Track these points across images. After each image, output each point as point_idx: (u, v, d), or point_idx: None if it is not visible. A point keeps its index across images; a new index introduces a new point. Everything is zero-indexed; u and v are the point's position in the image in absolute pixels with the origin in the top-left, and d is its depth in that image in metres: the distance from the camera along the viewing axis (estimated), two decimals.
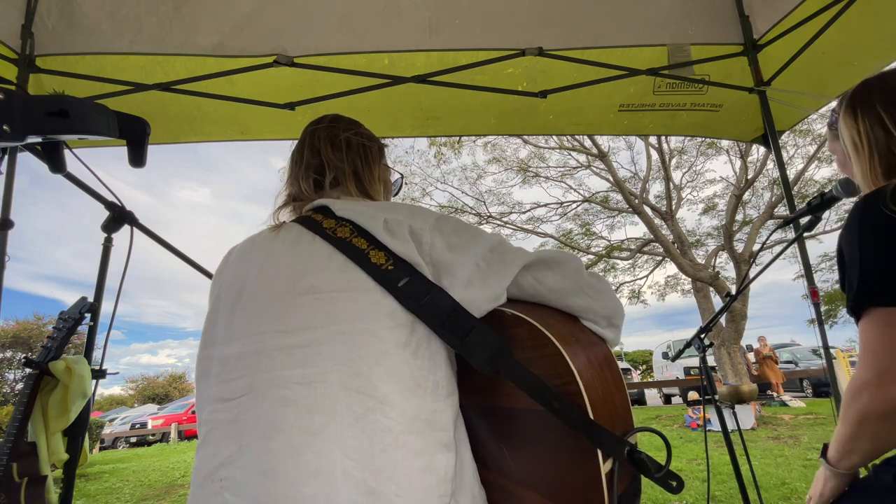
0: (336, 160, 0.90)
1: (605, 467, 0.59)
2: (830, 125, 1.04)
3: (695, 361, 11.75)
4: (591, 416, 0.60)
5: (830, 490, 0.87)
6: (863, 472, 0.89)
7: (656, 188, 13.49)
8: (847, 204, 0.90)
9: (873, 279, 0.78)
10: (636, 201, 12.05)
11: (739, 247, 11.60)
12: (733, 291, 1.88)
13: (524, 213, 13.89)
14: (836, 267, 0.85)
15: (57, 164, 0.75)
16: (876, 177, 0.89)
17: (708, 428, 6.63)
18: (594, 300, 0.74)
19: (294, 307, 0.70)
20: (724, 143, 11.70)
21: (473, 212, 13.58)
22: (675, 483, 0.59)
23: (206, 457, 0.67)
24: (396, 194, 1.05)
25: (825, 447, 0.89)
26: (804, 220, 1.49)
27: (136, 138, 0.75)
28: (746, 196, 12.05)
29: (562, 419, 0.60)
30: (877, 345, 0.76)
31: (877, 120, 0.88)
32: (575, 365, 0.62)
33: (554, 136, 11.91)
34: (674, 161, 12.87)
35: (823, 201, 1.36)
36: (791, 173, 11.43)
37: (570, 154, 13.02)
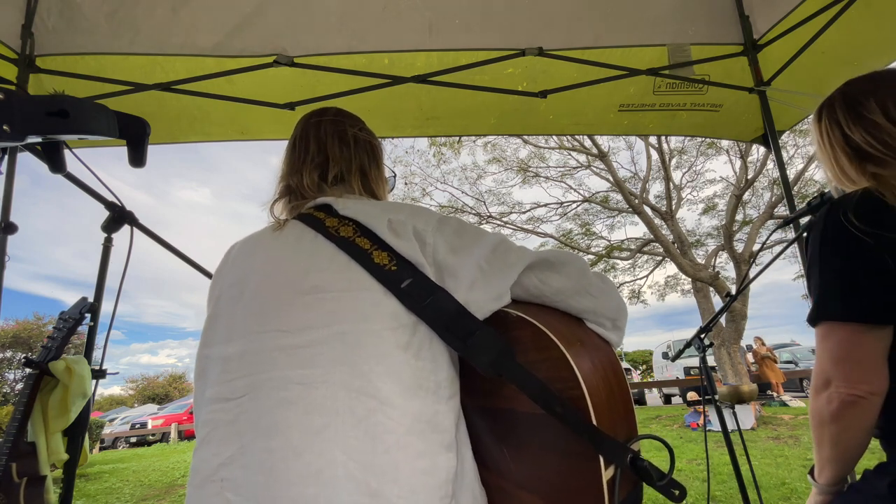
0: (343, 157, 0.88)
1: (606, 474, 0.58)
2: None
3: (695, 361, 11.75)
4: (594, 422, 0.59)
5: None
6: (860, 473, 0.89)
7: (656, 188, 13.51)
8: None
9: (828, 299, 0.83)
10: (636, 201, 12.05)
11: (739, 247, 11.60)
12: (733, 291, 1.88)
13: (524, 213, 13.90)
14: (806, 284, 0.90)
15: (57, 164, 0.75)
16: (841, 168, 0.96)
17: (708, 428, 6.62)
18: (599, 300, 0.73)
19: (296, 307, 0.69)
20: (724, 143, 11.70)
21: (473, 212, 13.58)
22: (677, 492, 0.58)
23: (206, 457, 0.66)
24: (390, 192, 1.05)
25: (813, 466, 0.92)
26: (804, 220, 1.49)
27: (136, 138, 0.75)
28: (746, 196, 12.05)
29: (564, 424, 0.60)
30: (821, 355, 0.83)
31: (835, 122, 0.96)
32: (579, 369, 0.62)
33: (554, 136, 11.91)
34: (674, 161, 12.88)
35: (823, 201, 1.36)
36: (791, 173, 11.43)
37: (570, 154, 13.03)
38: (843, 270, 0.81)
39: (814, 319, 0.84)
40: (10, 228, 1.44)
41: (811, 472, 0.91)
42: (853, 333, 0.79)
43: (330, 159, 0.88)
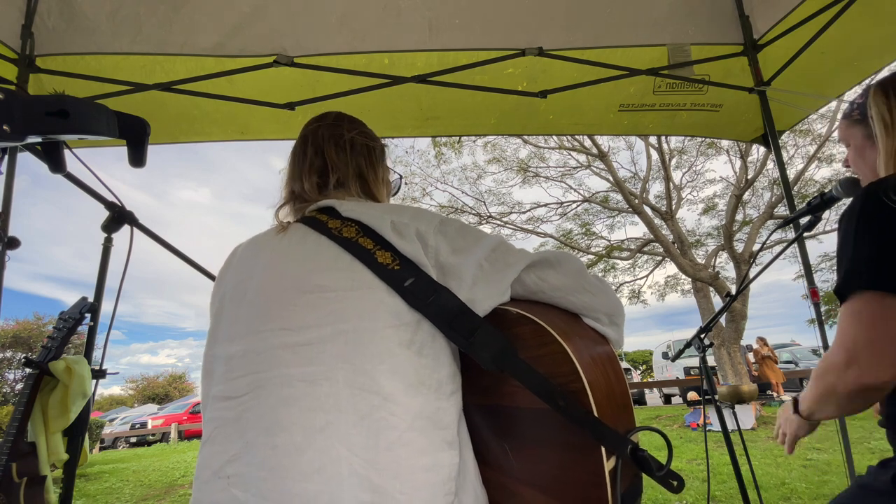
0: (340, 162, 0.89)
1: (608, 465, 0.59)
2: (848, 114, 1.05)
3: (695, 361, 11.75)
4: (596, 414, 0.60)
5: (803, 433, 0.99)
6: (863, 471, 0.89)
7: (656, 188, 13.51)
8: (846, 204, 0.91)
9: (862, 267, 0.81)
10: (636, 201, 12.05)
11: (739, 247, 11.60)
12: (733, 291, 1.88)
13: (524, 213, 13.90)
14: (836, 267, 0.88)
15: (57, 164, 0.75)
16: (892, 157, 0.90)
17: (708, 428, 6.63)
18: (596, 297, 0.75)
19: (299, 305, 0.70)
20: (724, 143, 11.70)
21: (473, 212, 13.58)
22: (675, 482, 0.59)
23: (212, 454, 0.68)
24: (395, 194, 1.06)
25: (796, 400, 0.98)
26: (804, 220, 1.49)
27: (136, 138, 0.75)
28: (746, 196, 12.05)
29: (566, 417, 0.60)
30: (848, 328, 0.80)
31: None
32: (579, 362, 0.63)
33: (554, 136, 11.91)
34: (674, 161, 12.87)
35: (823, 201, 1.37)
36: (791, 173, 11.43)
37: (570, 154, 13.02)
38: (877, 243, 0.80)
39: (843, 291, 0.82)
40: (13, 243, 1.43)
41: (796, 409, 0.97)
42: (883, 305, 0.77)
43: (328, 164, 0.89)
